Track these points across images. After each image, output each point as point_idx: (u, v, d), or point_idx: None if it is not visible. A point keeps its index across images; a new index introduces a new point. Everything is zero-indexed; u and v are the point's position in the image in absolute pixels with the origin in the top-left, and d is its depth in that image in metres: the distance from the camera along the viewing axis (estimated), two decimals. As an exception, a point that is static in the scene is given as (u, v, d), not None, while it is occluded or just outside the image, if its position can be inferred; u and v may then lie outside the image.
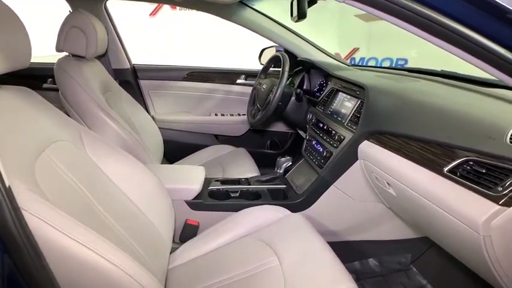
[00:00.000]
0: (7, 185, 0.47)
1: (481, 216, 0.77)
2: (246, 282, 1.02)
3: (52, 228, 0.60)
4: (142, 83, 2.08)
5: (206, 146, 2.08)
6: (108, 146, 1.08)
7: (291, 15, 1.36)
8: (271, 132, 2.22)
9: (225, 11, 1.79)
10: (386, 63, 4.24)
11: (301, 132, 1.95)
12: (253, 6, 1.84)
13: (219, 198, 1.41)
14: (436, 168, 0.92)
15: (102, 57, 1.83)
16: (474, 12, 0.60)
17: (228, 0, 1.63)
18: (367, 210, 1.41)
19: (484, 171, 0.82)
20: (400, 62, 4.20)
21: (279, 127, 2.21)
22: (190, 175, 1.41)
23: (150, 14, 4.33)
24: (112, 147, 1.09)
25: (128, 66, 2.01)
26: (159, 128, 1.87)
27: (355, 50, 4.43)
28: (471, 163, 0.86)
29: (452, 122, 0.98)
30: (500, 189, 0.77)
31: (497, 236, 0.77)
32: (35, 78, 1.98)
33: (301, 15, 1.20)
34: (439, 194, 0.89)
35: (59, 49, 1.39)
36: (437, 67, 1.62)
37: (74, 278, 0.64)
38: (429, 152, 0.97)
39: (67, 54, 1.44)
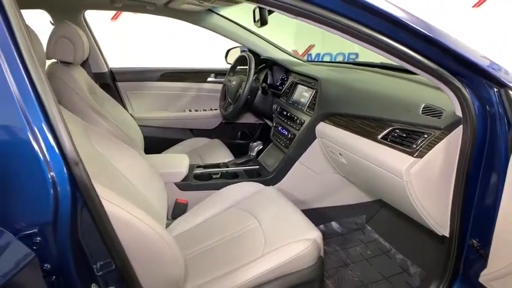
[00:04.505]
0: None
1: (403, 166, 1.06)
2: (232, 241, 1.26)
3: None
4: (120, 84, 2.24)
5: (182, 139, 2.28)
6: (109, 138, 1.27)
7: (254, 20, 1.61)
8: (242, 124, 2.46)
9: (194, 18, 2.01)
10: (340, 58, 4.63)
11: (268, 122, 2.21)
12: (220, 12, 2.07)
13: (203, 179, 1.63)
14: (373, 137, 1.22)
15: (84, 63, 1.97)
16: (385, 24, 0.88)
17: (197, 8, 1.85)
18: (327, 181, 1.70)
19: (405, 135, 1.13)
20: (351, 56, 4.61)
21: (248, 119, 2.45)
22: (176, 161, 1.63)
23: (111, 19, 4.38)
24: (112, 140, 1.28)
25: (106, 69, 2.16)
26: (138, 125, 2.04)
27: (311, 46, 4.78)
28: (397, 130, 1.16)
29: (383, 102, 1.28)
30: (414, 146, 1.07)
31: (415, 180, 1.07)
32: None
33: (263, 22, 1.45)
34: (376, 155, 1.19)
35: (48, 57, 1.54)
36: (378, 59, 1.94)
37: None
38: (367, 126, 1.27)
39: (55, 61, 1.59)
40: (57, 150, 0.61)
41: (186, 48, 4.16)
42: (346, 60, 4.53)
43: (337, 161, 1.50)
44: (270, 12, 1.46)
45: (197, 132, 2.42)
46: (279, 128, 1.82)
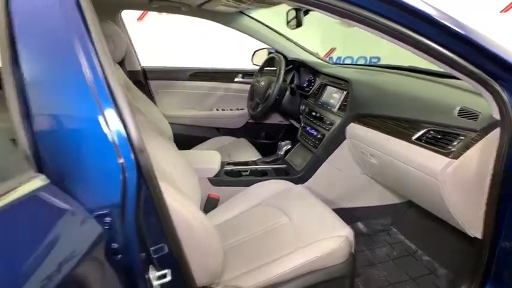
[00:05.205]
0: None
1: (438, 166, 1.08)
2: (264, 236, 1.30)
3: None
4: (152, 82, 2.32)
5: (209, 138, 2.34)
6: (147, 133, 1.33)
7: (287, 22, 1.66)
8: (266, 124, 2.50)
9: (225, 19, 2.07)
10: (362, 61, 4.63)
11: (293, 122, 2.24)
12: (250, 14, 2.12)
13: (233, 176, 1.68)
14: (406, 138, 1.23)
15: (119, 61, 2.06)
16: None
17: (231, 9, 1.90)
18: (354, 181, 1.72)
19: (440, 136, 1.14)
20: (373, 60, 4.60)
21: (273, 119, 2.49)
22: (209, 157, 1.68)
23: (137, 19, 4.50)
24: (151, 134, 1.34)
25: (139, 68, 2.24)
26: None
27: (332, 50, 4.79)
28: (431, 132, 1.18)
29: (416, 104, 1.30)
30: (450, 147, 1.09)
31: (450, 181, 1.08)
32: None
33: (298, 24, 1.49)
34: (410, 156, 1.21)
35: None
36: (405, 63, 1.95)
37: None
38: (400, 127, 1.29)
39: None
40: (125, 137, 0.66)
41: (211, 48, 4.24)
42: (368, 63, 4.53)
43: (367, 162, 1.52)
44: (305, 13, 1.50)
45: (223, 131, 2.47)
46: (307, 128, 1.85)
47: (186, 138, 2.35)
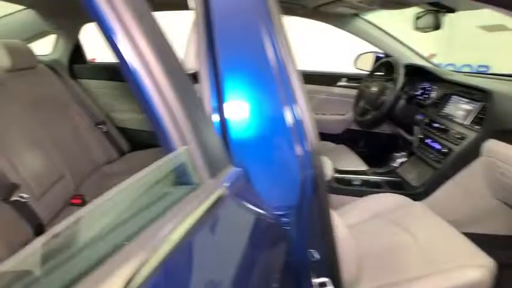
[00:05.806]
0: None
1: None
2: (386, 252, 1.20)
3: None
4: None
5: (307, 142, 2.29)
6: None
7: (416, 19, 1.54)
8: (368, 132, 2.38)
9: (339, 21, 2.01)
10: (466, 69, 4.20)
11: (402, 132, 2.09)
12: (364, 17, 2.04)
13: (343, 184, 1.61)
14: None
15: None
16: None
17: (346, 11, 1.84)
18: (482, 204, 1.52)
19: None
20: (480, 69, 4.14)
21: (376, 128, 2.35)
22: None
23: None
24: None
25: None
26: None
27: (432, 56, 4.43)
28: None
29: None
30: None
31: None
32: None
33: (437, 27, 1.37)
34: None
35: None
36: None
37: None
38: None
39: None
40: (304, 135, 0.64)
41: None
42: (474, 72, 4.10)
43: (505, 184, 1.33)
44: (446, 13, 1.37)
45: (321, 136, 2.40)
46: (427, 141, 1.69)
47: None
